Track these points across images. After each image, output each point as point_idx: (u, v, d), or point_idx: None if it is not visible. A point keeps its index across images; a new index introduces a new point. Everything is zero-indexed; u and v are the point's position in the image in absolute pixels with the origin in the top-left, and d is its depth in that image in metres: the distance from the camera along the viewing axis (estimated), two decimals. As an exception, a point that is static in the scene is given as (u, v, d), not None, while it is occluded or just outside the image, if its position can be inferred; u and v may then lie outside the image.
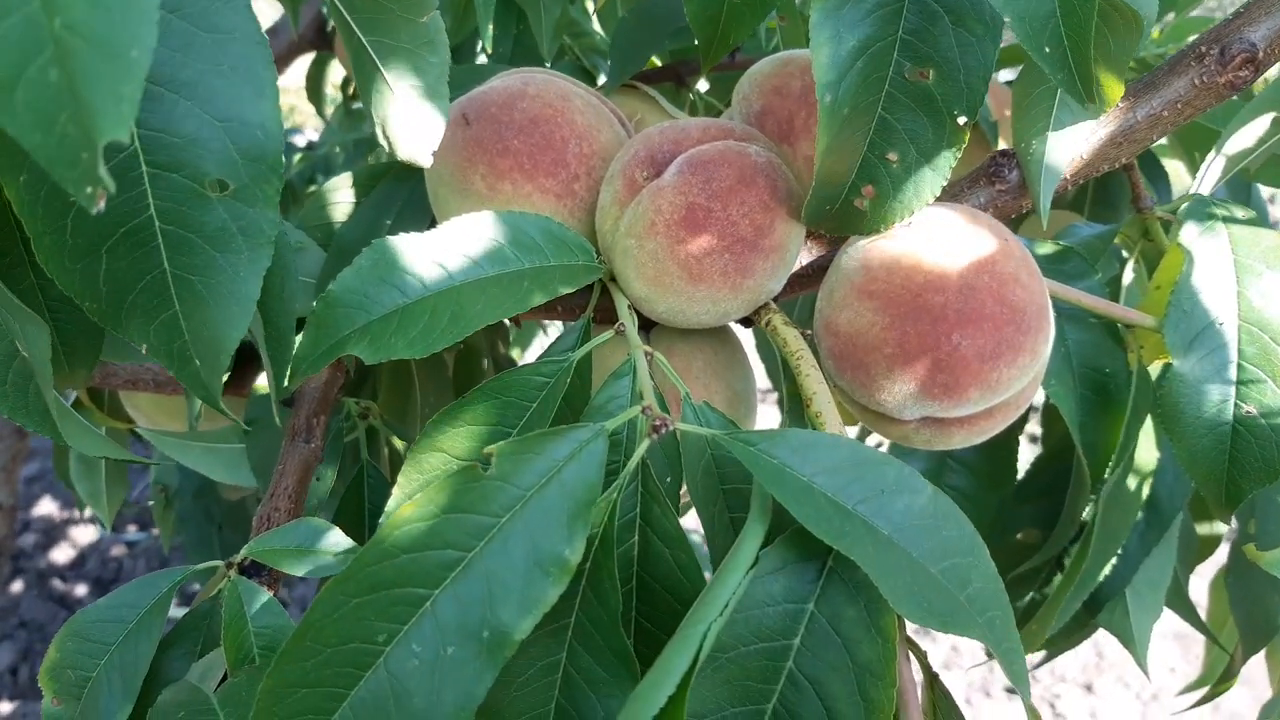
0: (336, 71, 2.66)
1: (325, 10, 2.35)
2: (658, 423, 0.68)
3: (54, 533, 4.26)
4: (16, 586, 3.93)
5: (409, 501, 0.57)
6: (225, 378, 0.70)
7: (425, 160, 0.77)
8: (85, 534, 4.25)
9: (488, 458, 0.61)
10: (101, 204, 0.42)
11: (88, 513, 4.33)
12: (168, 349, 0.66)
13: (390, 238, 0.74)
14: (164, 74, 0.60)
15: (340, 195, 1.12)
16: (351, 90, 2.61)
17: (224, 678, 0.74)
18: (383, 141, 0.77)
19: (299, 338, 0.75)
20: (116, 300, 0.64)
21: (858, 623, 0.64)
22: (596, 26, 1.70)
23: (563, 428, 0.63)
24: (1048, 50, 0.69)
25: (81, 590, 3.98)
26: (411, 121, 0.76)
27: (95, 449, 0.86)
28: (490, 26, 0.69)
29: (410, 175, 1.00)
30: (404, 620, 0.56)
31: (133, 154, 0.61)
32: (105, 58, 0.39)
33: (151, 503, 1.83)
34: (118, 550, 4.18)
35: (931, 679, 0.76)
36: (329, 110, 2.75)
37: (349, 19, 0.73)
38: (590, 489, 0.61)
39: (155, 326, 0.65)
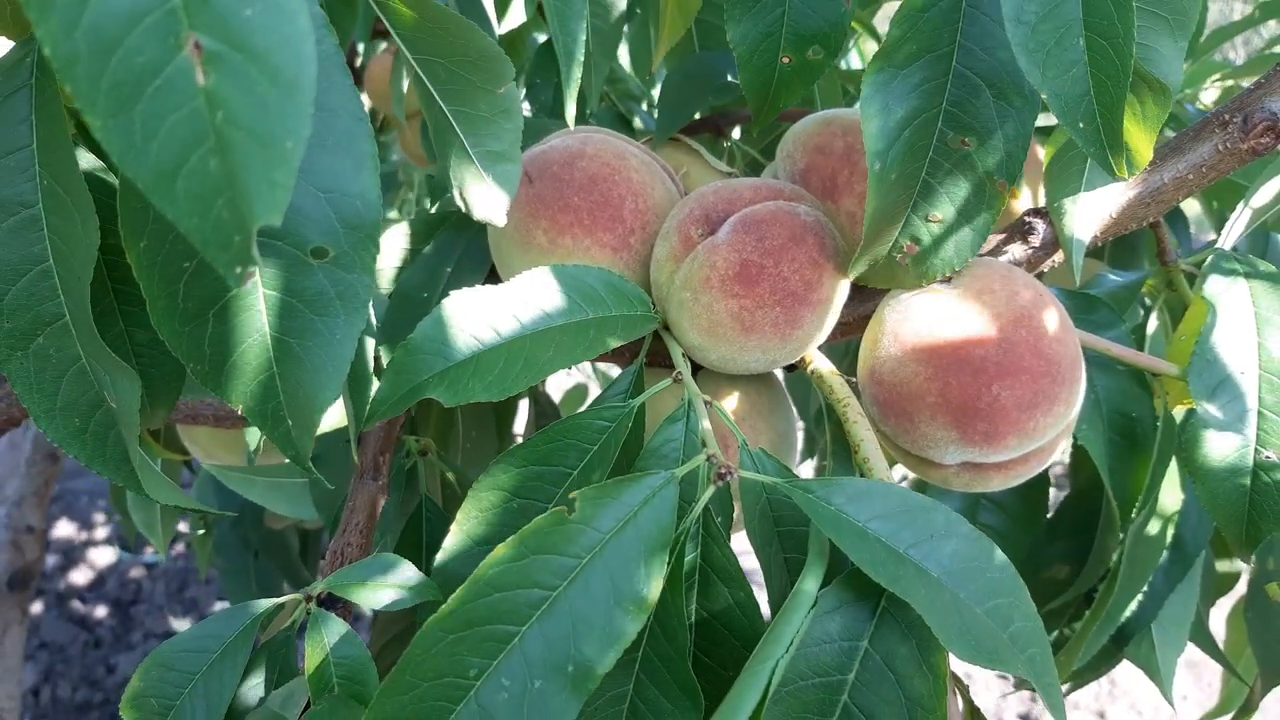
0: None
1: (359, 46, 2.42)
2: (722, 470, 0.73)
3: (73, 554, 4.31)
4: (36, 608, 3.97)
5: (502, 544, 0.62)
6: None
7: (500, 220, 0.82)
8: (104, 556, 4.30)
9: (568, 500, 0.66)
10: (249, 284, 0.45)
11: (105, 534, 4.38)
12: (261, 409, 0.68)
13: (466, 290, 0.79)
14: (275, 148, 0.65)
15: (395, 242, 1.17)
16: (379, 123, 2.67)
17: (306, 706, 0.79)
18: (459, 202, 0.82)
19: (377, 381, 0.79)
20: (219, 362, 0.66)
21: (910, 660, 0.68)
22: (629, 70, 1.76)
23: (637, 474, 0.68)
24: (1082, 126, 0.74)
25: (101, 612, 4.02)
26: (487, 185, 0.81)
27: (172, 499, 0.88)
28: (574, 105, 0.73)
29: (468, 225, 1.05)
30: (494, 655, 0.61)
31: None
32: (262, 148, 0.42)
33: (188, 528, 1.88)
34: (137, 572, 4.23)
35: (973, 711, 0.81)
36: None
37: (432, 90, 0.78)
38: (664, 531, 0.66)
39: (253, 388, 0.67)
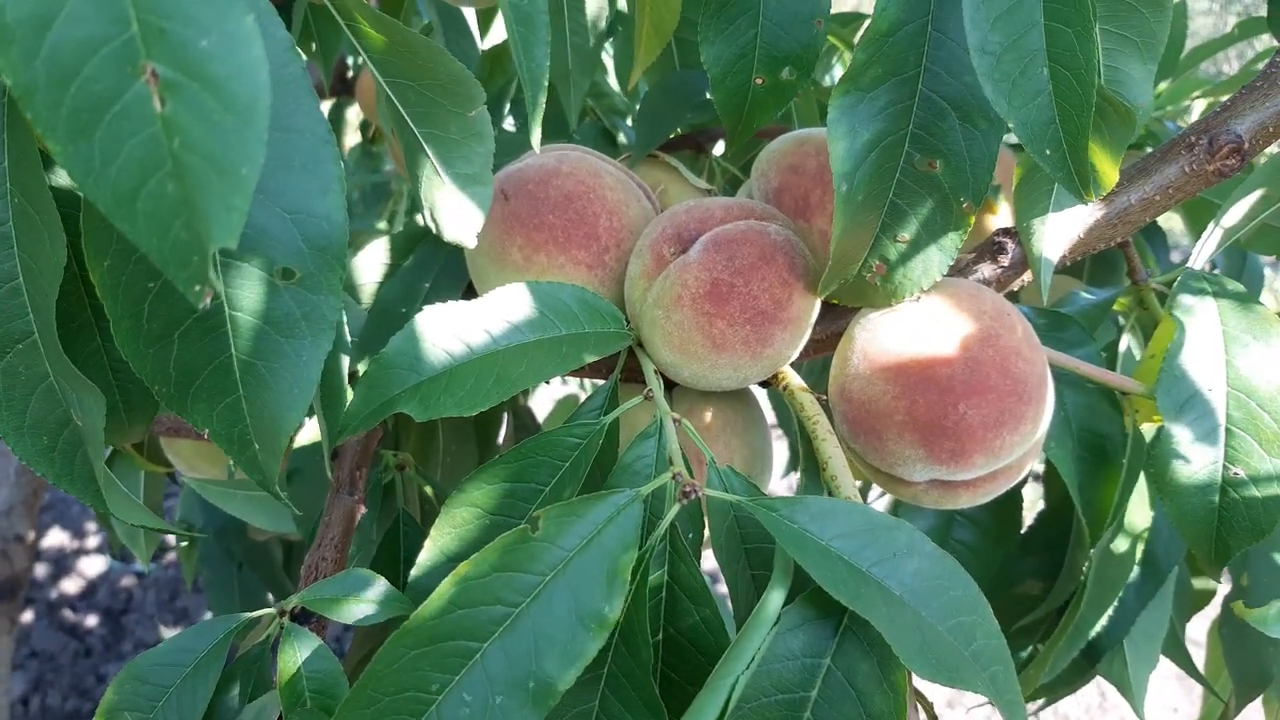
0: (355, 113, 2.74)
1: (349, 59, 2.43)
2: (687, 489, 0.74)
3: (64, 563, 4.30)
4: (27, 616, 3.97)
5: (466, 561, 0.63)
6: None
7: (470, 242, 0.83)
8: (94, 565, 4.29)
9: (532, 519, 0.67)
10: (208, 301, 0.46)
11: (96, 543, 4.38)
12: (228, 433, 0.67)
13: (439, 305, 0.80)
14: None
15: (375, 257, 1.18)
16: (371, 133, 2.68)
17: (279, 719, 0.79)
18: (430, 224, 0.83)
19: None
20: (184, 384, 0.66)
21: (871, 677, 0.69)
22: (615, 86, 1.77)
23: (602, 493, 0.69)
24: (1049, 153, 0.74)
25: (92, 621, 4.01)
26: (458, 206, 0.82)
27: (138, 519, 0.87)
28: (539, 129, 0.74)
29: (447, 242, 1.06)
30: (456, 670, 0.62)
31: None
32: (219, 174, 0.43)
33: (175, 540, 1.89)
34: (127, 581, 4.22)
35: (938, 728, 0.81)
36: (346, 151, 2.82)
37: (403, 112, 0.78)
38: (627, 549, 0.66)
39: (219, 411, 0.66)
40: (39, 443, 0.73)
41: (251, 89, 0.44)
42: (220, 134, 0.43)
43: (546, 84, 0.71)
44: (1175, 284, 0.95)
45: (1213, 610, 1.35)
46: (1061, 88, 0.72)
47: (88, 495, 0.77)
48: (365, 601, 0.82)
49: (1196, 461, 0.89)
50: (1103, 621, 1.01)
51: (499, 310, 0.82)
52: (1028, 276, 0.94)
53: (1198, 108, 1.85)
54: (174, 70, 0.42)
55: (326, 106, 2.60)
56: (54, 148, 0.42)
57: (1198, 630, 1.37)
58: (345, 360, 0.88)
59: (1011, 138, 0.88)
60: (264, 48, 0.44)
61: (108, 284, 0.64)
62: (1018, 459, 0.86)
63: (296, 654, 0.80)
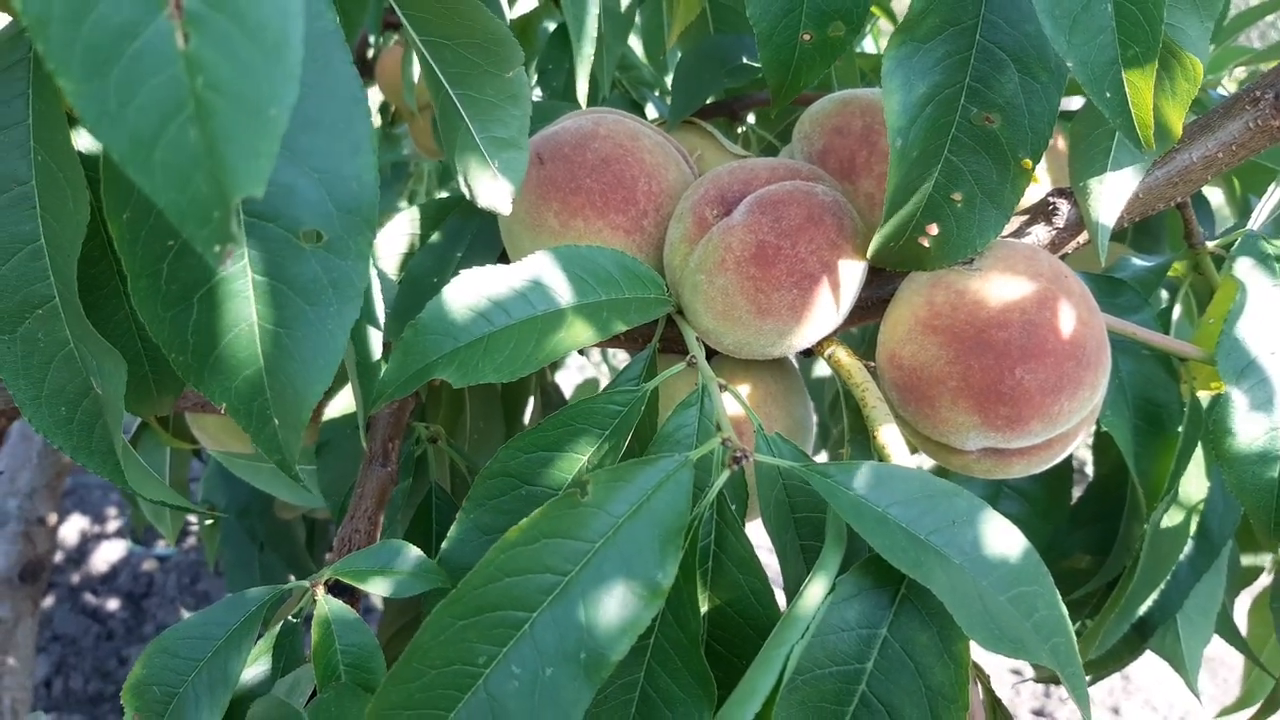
0: (374, 96, 2.71)
1: (370, 38, 2.40)
2: (737, 454, 0.71)
3: (85, 547, 4.32)
4: (49, 601, 3.98)
5: (514, 528, 0.60)
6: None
7: (505, 208, 0.80)
8: (115, 549, 4.31)
9: (580, 483, 0.64)
10: (229, 262, 0.42)
11: (117, 527, 4.39)
12: (248, 408, 0.63)
13: (477, 269, 0.77)
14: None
15: (401, 228, 1.16)
16: (392, 115, 2.66)
17: (313, 694, 0.77)
18: (464, 189, 0.80)
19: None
20: (203, 353, 0.62)
21: (930, 649, 0.66)
22: (642, 57, 1.74)
23: (651, 457, 0.66)
24: (1109, 95, 0.71)
25: (113, 604, 4.03)
26: (492, 172, 0.79)
27: (156, 494, 0.84)
28: (586, 82, 0.71)
29: (479, 210, 1.03)
30: (504, 642, 0.59)
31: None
32: (245, 115, 0.39)
33: (197, 521, 1.87)
34: (149, 565, 4.23)
35: (995, 703, 0.79)
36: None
37: (439, 73, 0.76)
38: (679, 516, 0.64)
39: (238, 383, 0.63)
40: (57, 413, 0.70)
41: (282, 21, 0.40)
42: (248, 72, 0.40)
43: (595, 34, 0.68)
44: (1235, 246, 0.92)
45: (1248, 592, 1.32)
46: (1126, 24, 0.68)
47: (106, 469, 0.75)
48: (399, 573, 0.80)
49: (1256, 428, 0.86)
50: (1154, 596, 0.98)
51: (537, 275, 0.80)
52: (1081, 239, 0.90)
53: (1235, 80, 1.80)
54: (199, 1, 0.39)
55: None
56: (67, 87, 0.39)
57: (1236, 613, 1.34)
58: (378, 331, 0.85)
59: (1062, 103, 0.84)
60: None
61: (126, 238, 0.61)
62: (1074, 426, 0.83)
63: (331, 627, 0.78)
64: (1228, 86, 1.81)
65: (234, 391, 0.63)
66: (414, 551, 0.81)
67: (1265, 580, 1.28)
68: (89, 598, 4.06)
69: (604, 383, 3.01)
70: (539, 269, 0.80)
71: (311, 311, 0.62)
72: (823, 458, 1.86)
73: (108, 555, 4.26)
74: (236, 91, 0.39)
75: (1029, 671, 3.41)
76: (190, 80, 0.39)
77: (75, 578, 4.15)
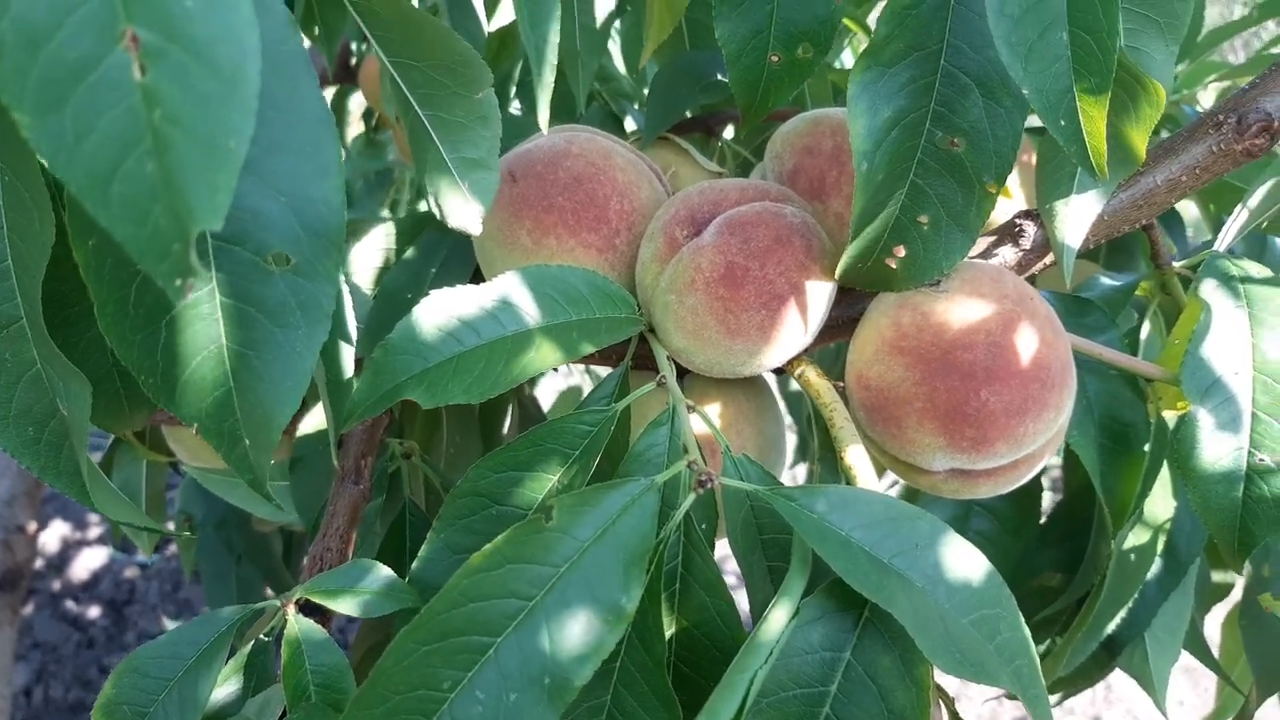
0: (357, 102, 2.71)
1: (353, 45, 2.40)
2: (703, 478, 0.71)
3: (66, 554, 4.29)
4: (29, 608, 3.95)
5: (478, 553, 0.60)
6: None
7: (475, 229, 0.80)
8: (97, 556, 4.28)
9: (545, 507, 0.64)
10: (189, 295, 0.42)
11: (98, 534, 4.37)
12: (218, 429, 0.63)
13: (447, 289, 0.78)
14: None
15: (376, 242, 1.16)
16: (375, 121, 2.66)
17: (282, 714, 0.77)
18: (434, 209, 0.80)
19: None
20: (173, 375, 0.62)
21: (892, 671, 0.67)
22: (621, 69, 1.74)
23: (616, 481, 0.67)
24: (1063, 124, 0.72)
25: (94, 612, 4.00)
26: (462, 192, 0.79)
27: (123, 515, 0.85)
28: (547, 109, 0.71)
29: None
30: (469, 667, 0.59)
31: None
32: (203, 149, 0.39)
33: (175, 528, 1.87)
34: (130, 572, 4.21)
35: (959, 723, 0.79)
36: (349, 140, 2.80)
37: (408, 94, 0.76)
38: (644, 540, 0.64)
39: (208, 404, 0.62)
40: (24, 433, 0.70)
41: (239, 55, 0.40)
42: (205, 104, 0.40)
43: (555, 61, 0.69)
44: (1201, 267, 0.92)
45: (1222, 605, 1.33)
46: (1080, 53, 0.69)
47: (73, 489, 0.74)
48: (370, 593, 0.80)
49: (1221, 448, 0.87)
50: (1122, 614, 0.99)
51: (507, 294, 0.80)
52: (1048, 260, 0.91)
53: (1206, 97, 1.82)
54: (156, 34, 0.39)
55: (329, 94, 2.57)
56: (21, 120, 0.38)
57: (1209, 625, 1.35)
58: (350, 349, 0.85)
59: (1032, 120, 0.85)
60: (253, 10, 0.41)
61: (92, 265, 0.60)
62: (1040, 447, 0.84)
63: (301, 646, 0.78)
64: (1205, 100, 1.83)
65: (204, 413, 0.63)
66: (384, 571, 0.81)
67: (1237, 595, 1.29)
68: (70, 605, 4.03)
69: (587, 390, 3.01)
70: (509, 289, 0.80)
71: (280, 334, 0.62)
72: (802, 470, 1.87)
73: (89, 562, 4.24)
74: (194, 124, 0.39)
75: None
76: (148, 113, 0.39)
77: (56, 585, 4.12)
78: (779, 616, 0.66)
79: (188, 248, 0.40)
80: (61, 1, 0.37)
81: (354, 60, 2.47)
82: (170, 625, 3.91)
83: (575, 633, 0.60)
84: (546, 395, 3.86)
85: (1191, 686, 3.66)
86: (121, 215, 0.40)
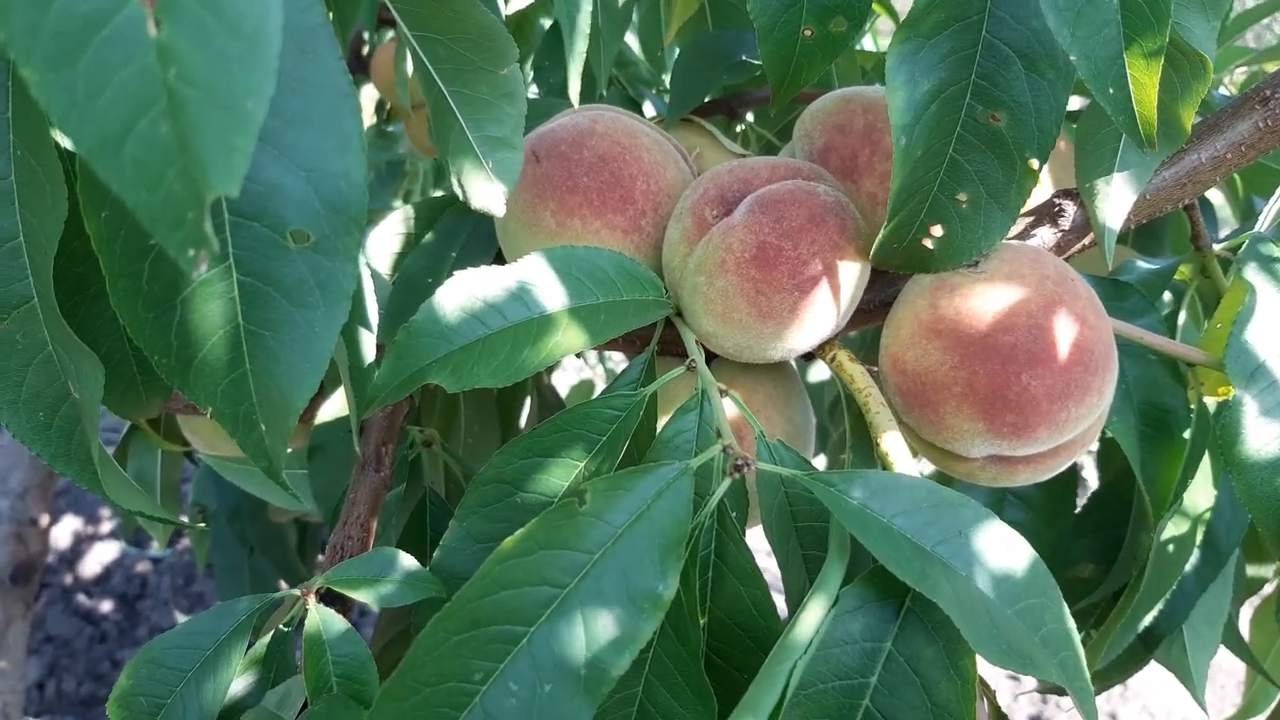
0: (369, 94, 2.69)
1: (365, 35, 2.38)
2: (739, 462, 0.69)
3: (78, 548, 4.29)
4: (41, 602, 3.95)
5: (510, 539, 0.58)
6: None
7: (498, 210, 0.78)
8: (109, 550, 4.27)
9: (578, 491, 0.62)
10: (204, 268, 0.40)
11: (110, 528, 4.37)
12: (233, 412, 0.61)
13: (470, 270, 0.75)
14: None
15: (393, 227, 1.14)
16: (386, 112, 2.64)
17: (304, 705, 0.75)
18: (456, 189, 0.78)
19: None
20: (187, 356, 0.60)
21: (936, 663, 0.65)
22: (639, 54, 1.72)
23: (650, 465, 0.64)
24: (1112, 92, 0.69)
25: (107, 606, 4.00)
26: (486, 172, 0.77)
27: (135, 504, 0.81)
28: (578, 80, 0.69)
29: (473, 209, 1.02)
30: (501, 658, 0.57)
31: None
32: (220, 109, 0.38)
33: (189, 519, 1.86)
34: (142, 567, 4.20)
35: (1000, 718, 0.77)
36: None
37: (431, 70, 0.74)
38: (679, 525, 0.62)
39: (223, 387, 0.60)
40: (35, 418, 0.68)
41: (260, 13, 0.38)
42: (223, 62, 0.37)
43: (588, 31, 0.66)
44: (1243, 249, 0.90)
45: (1252, 600, 1.30)
46: (1131, 18, 0.66)
47: (84, 477, 0.72)
48: (392, 583, 0.78)
49: (1267, 434, 0.84)
50: (1160, 606, 0.96)
51: (532, 276, 0.78)
52: (1088, 241, 0.89)
53: (1237, 79, 1.79)
54: None
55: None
56: (31, 78, 0.36)
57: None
58: (371, 334, 0.83)
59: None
60: None
61: (104, 237, 0.58)
62: (1081, 433, 0.81)
63: (322, 637, 0.76)
64: (1229, 87, 1.79)
65: (219, 395, 0.61)
66: (406, 560, 0.79)
67: (1269, 589, 1.26)
68: (82, 599, 4.03)
69: (599, 385, 2.99)
70: (534, 270, 0.78)
71: (298, 314, 0.59)
72: (821, 461, 1.84)
73: (101, 556, 4.23)
74: (211, 84, 0.37)
75: (1026, 680, 3.40)
76: (163, 71, 0.37)
77: (68, 579, 4.12)
78: (817, 606, 0.64)
79: (202, 215, 0.38)
80: (74, -47, 0.35)
81: (365, 50, 2.45)
82: (182, 619, 3.90)
83: (611, 621, 0.58)
84: (559, 386, 3.84)
85: (1209, 685, 3.63)
86: (134, 179, 0.38)
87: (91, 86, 0.36)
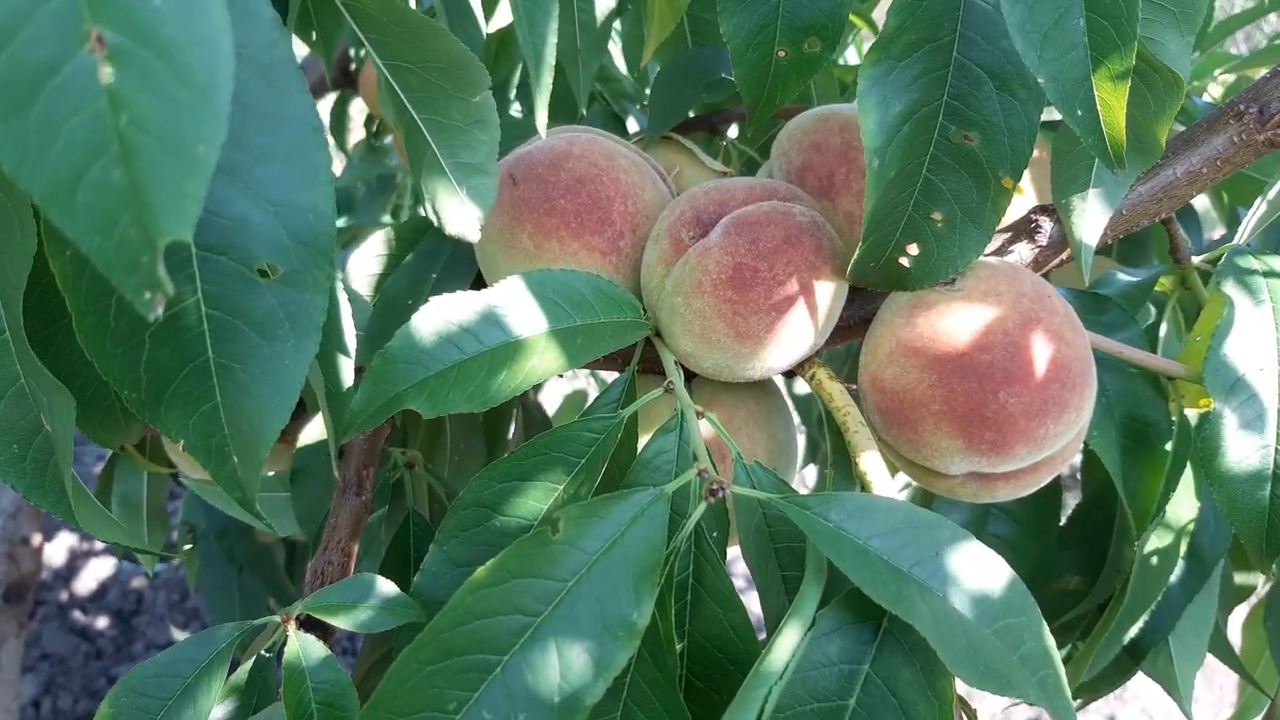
0: (358, 108, 2.70)
1: (351, 51, 2.39)
2: (714, 486, 0.69)
3: (74, 565, 4.28)
4: (37, 619, 3.94)
5: (482, 568, 0.58)
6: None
7: (473, 235, 0.78)
8: (104, 566, 4.26)
9: (551, 519, 0.62)
10: (159, 310, 0.40)
11: (104, 545, 4.36)
12: (205, 444, 0.61)
13: (447, 295, 0.75)
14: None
15: (373, 249, 1.14)
16: (376, 127, 2.64)
17: (283, 734, 0.75)
18: (431, 215, 0.78)
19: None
20: (157, 390, 0.59)
21: (914, 685, 0.65)
22: (623, 69, 1.72)
23: (624, 491, 0.64)
24: (1080, 114, 0.69)
25: (103, 622, 3.99)
26: (460, 198, 0.77)
27: (110, 534, 0.83)
28: (545, 111, 0.69)
29: (450, 233, 1.02)
30: (475, 687, 0.57)
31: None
32: (171, 155, 0.38)
33: (178, 539, 1.85)
34: (138, 582, 4.19)
35: (982, 735, 0.77)
36: (350, 146, 2.78)
37: (403, 97, 0.74)
38: (654, 551, 0.62)
39: (194, 420, 0.60)
40: (9, 450, 0.68)
41: (210, 58, 0.38)
42: (174, 109, 0.38)
43: (553, 63, 0.66)
44: (1221, 262, 0.90)
45: (1242, 606, 1.30)
46: (1099, 40, 0.66)
47: (59, 509, 0.72)
48: (370, 608, 0.78)
49: (1247, 446, 0.84)
50: (1145, 618, 0.96)
51: (510, 300, 0.78)
52: (1065, 256, 0.89)
53: (1219, 86, 1.79)
54: (123, 35, 0.37)
55: (329, 100, 2.56)
56: None
57: (1229, 626, 1.32)
58: (349, 359, 0.83)
59: (1045, 114, 0.83)
60: (227, 12, 0.38)
61: (69, 275, 0.58)
62: (1060, 449, 0.81)
63: (302, 663, 0.75)
64: (1213, 93, 1.80)
65: (190, 428, 0.61)
66: (385, 585, 0.79)
67: (1261, 593, 1.26)
68: (78, 616, 4.02)
69: (592, 394, 2.99)
70: (510, 294, 0.78)
71: (267, 346, 0.59)
72: (811, 472, 1.84)
73: (96, 572, 4.22)
74: (163, 130, 0.38)
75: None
76: (114, 118, 0.37)
77: (63, 596, 4.11)
78: (793, 630, 0.64)
79: (156, 259, 0.38)
80: (23, 1, 0.35)
81: (353, 66, 2.45)
82: (178, 635, 3.89)
83: (585, 650, 0.58)
84: (550, 399, 3.84)
85: (1206, 684, 3.63)
86: (88, 225, 0.38)
87: (44, 135, 0.37)
